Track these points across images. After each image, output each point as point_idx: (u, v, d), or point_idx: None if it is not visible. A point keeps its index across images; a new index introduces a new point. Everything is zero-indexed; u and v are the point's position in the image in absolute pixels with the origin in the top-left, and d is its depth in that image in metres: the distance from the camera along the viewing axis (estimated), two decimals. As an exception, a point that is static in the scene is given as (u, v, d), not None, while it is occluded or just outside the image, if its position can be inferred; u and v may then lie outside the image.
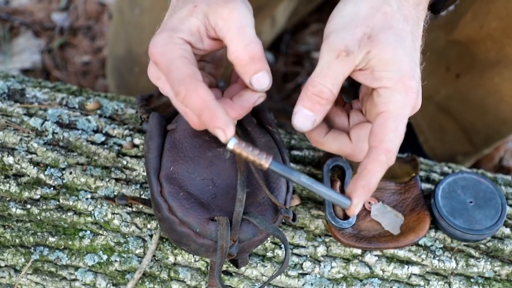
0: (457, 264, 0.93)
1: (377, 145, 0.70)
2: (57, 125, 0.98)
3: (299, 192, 0.97)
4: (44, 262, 0.91)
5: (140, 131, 1.00)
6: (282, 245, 0.92)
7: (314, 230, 0.94)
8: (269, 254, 0.92)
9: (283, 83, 1.71)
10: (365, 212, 0.94)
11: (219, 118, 0.68)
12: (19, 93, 1.03)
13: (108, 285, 0.91)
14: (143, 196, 0.93)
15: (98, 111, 1.02)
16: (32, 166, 0.94)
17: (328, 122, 0.79)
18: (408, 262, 0.93)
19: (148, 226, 0.92)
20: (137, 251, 0.91)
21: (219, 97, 0.79)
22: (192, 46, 0.73)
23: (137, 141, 0.98)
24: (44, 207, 0.92)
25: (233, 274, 0.91)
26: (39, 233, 0.92)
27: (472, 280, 0.93)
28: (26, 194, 0.93)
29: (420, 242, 0.94)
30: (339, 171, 0.96)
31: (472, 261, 0.94)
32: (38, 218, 0.92)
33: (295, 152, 1.02)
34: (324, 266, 0.92)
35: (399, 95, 0.70)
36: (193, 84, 0.68)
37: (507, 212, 0.97)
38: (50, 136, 0.97)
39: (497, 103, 1.22)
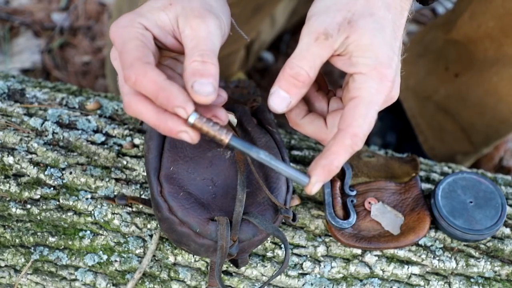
0: (457, 264, 0.93)
1: (345, 128, 0.70)
2: (57, 125, 0.98)
3: (299, 192, 0.97)
4: (44, 262, 0.91)
5: (140, 131, 1.00)
6: (282, 245, 0.92)
7: (314, 230, 0.94)
8: (269, 254, 0.92)
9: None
10: (365, 212, 0.94)
11: (176, 97, 0.67)
12: (19, 93, 1.03)
13: (108, 285, 0.91)
14: (143, 196, 0.93)
15: (98, 111, 1.02)
16: (32, 166, 0.94)
17: (309, 106, 0.79)
18: (408, 262, 0.93)
19: (148, 226, 0.92)
20: (137, 251, 0.91)
21: (174, 77, 0.77)
22: (155, 38, 0.72)
23: (137, 141, 0.98)
24: (44, 207, 0.92)
25: (233, 274, 0.91)
26: (39, 233, 0.92)
27: (472, 280, 0.93)
28: (26, 194, 0.93)
29: (420, 242, 0.94)
30: (339, 171, 0.95)
31: (472, 261, 0.94)
32: (38, 218, 0.92)
33: (295, 152, 1.02)
34: (324, 266, 0.92)
35: (373, 82, 0.70)
36: (142, 68, 0.67)
37: (507, 212, 0.97)
38: (50, 136, 0.97)
39: (496, 102, 1.22)
